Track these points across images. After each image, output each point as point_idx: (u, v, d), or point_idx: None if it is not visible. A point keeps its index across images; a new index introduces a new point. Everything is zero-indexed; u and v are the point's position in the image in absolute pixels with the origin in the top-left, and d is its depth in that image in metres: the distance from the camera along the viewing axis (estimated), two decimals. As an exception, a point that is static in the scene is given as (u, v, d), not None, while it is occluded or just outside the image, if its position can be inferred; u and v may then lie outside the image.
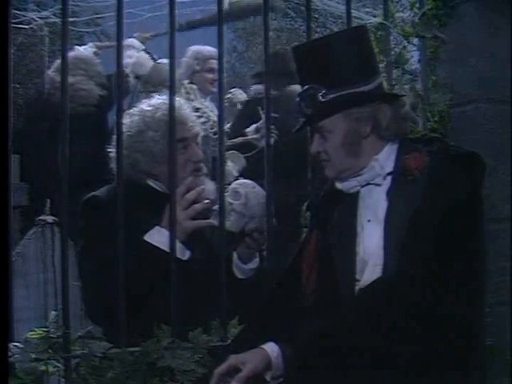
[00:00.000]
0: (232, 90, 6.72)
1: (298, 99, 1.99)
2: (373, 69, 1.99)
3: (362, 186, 1.96)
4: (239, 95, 6.66)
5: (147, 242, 2.33)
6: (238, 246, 2.49)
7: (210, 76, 4.58)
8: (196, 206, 2.36)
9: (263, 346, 1.86)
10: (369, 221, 1.94)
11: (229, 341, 2.22)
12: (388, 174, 1.94)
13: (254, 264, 2.50)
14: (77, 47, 4.84)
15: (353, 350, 1.76)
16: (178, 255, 2.29)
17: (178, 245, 2.31)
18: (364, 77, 1.94)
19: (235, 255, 2.50)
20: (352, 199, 1.98)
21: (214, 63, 4.09)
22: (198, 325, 2.22)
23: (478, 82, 2.56)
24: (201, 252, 2.43)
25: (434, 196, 1.84)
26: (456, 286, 1.81)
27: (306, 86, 1.95)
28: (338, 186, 2.00)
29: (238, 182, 2.53)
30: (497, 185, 2.53)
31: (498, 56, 2.57)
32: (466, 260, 1.83)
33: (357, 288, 1.91)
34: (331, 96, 1.92)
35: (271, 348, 1.85)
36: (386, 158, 1.95)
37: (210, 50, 4.60)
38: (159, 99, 2.52)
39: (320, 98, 1.92)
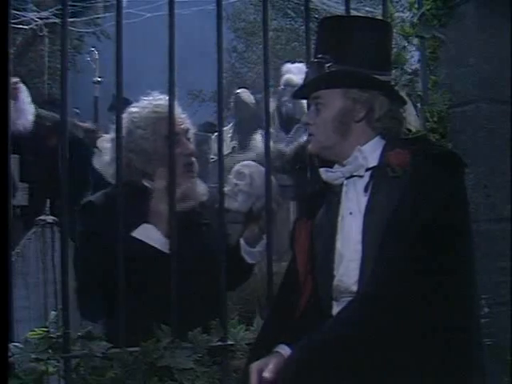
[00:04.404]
0: (239, 91, 6.74)
1: (307, 68, 2.02)
2: (385, 63, 2.00)
3: (347, 178, 1.95)
4: (246, 96, 6.66)
5: (136, 238, 2.34)
6: (245, 228, 2.50)
7: None
8: (183, 204, 2.37)
9: (277, 350, 1.90)
10: (350, 213, 1.93)
11: (229, 341, 2.24)
12: (371, 167, 1.92)
13: (261, 246, 2.51)
14: None
15: (347, 352, 1.76)
16: (161, 248, 2.33)
17: (164, 239, 2.34)
18: (374, 64, 1.95)
19: (242, 240, 2.51)
20: (336, 192, 1.97)
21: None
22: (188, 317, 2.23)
23: (478, 82, 2.56)
24: (188, 246, 2.41)
25: (413, 195, 1.82)
26: (438, 286, 1.79)
27: (317, 56, 1.97)
28: (324, 176, 1.99)
29: (240, 163, 2.56)
30: (497, 185, 2.53)
31: (498, 56, 2.57)
32: (448, 260, 1.81)
33: (334, 284, 1.91)
34: (337, 68, 1.93)
35: (284, 350, 1.89)
36: (371, 151, 1.93)
37: None
38: (145, 100, 2.55)
39: (326, 68, 1.94)
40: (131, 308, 2.22)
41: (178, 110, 2.51)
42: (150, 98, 2.54)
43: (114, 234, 2.18)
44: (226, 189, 2.44)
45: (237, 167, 2.52)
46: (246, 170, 2.48)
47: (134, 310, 2.21)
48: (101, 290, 2.27)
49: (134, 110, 2.54)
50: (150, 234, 2.34)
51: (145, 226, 2.38)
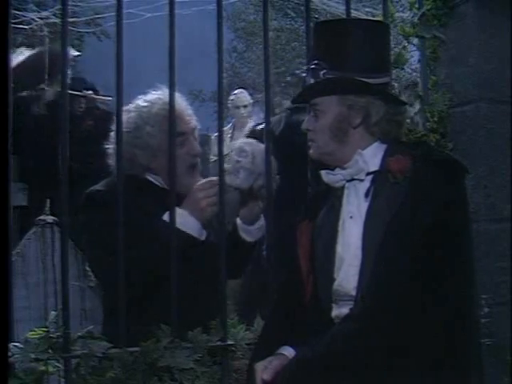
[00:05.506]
0: (236, 92, 6.71)
1: (305, 74, 2.01)
2: (381, 65, 1.98)
3: (348, 181, 1.94)
4: (243, 97, 6.62)
5: (166, 222, 2.33)
6: (243, 206, 2.49)
7: None
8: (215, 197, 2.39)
9: (281, 351, 1.91)
10: (351, 217, 1.92)
11: (229, 341, 2.24)
12: (372, 172, 1.92)
13: (259, 224, 2.51)
14: None
15: (349, 355, 1.77)
16: (197, 235, 2.38)
17: (198, 226, 2.37)
18: (369, 67, 1.93)
19: (238, 220, 2.52)
20: (338, 195, 1.97)
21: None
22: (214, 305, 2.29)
23: (478, 82, 2.56)
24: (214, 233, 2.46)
25: (413, 200, 1.82)
26: (438, 286, 1.79)
27: (313, 62, 1.96)
28: (325, 178, 1.99)
29: (242, 141, 2.57)
30: (497, 185, 2.53)
31: (498, 56, 2.57)
32: (448, 261, 1.81)
33: (334, 287, 1.90)
34: (331, 76, 1.92)
35: (288, 351, 1.90)
36: (372, 156, 1.93)
37: None
38: (155, 94, 2.54)
39: (321, 75, 1.93)
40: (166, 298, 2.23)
41: (186, 109, 2.52)
42: (159, 92, 2.51)
43: (140, 221, 2.25)
44: (228, 166, 2.43)
45: (238, 144, 2.50)
46: (247, 147, 2.46)
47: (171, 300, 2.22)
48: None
49: (143, 104, 2.53)
50: (184, 221, 2.33)
51: (177, 210, 2.33)
